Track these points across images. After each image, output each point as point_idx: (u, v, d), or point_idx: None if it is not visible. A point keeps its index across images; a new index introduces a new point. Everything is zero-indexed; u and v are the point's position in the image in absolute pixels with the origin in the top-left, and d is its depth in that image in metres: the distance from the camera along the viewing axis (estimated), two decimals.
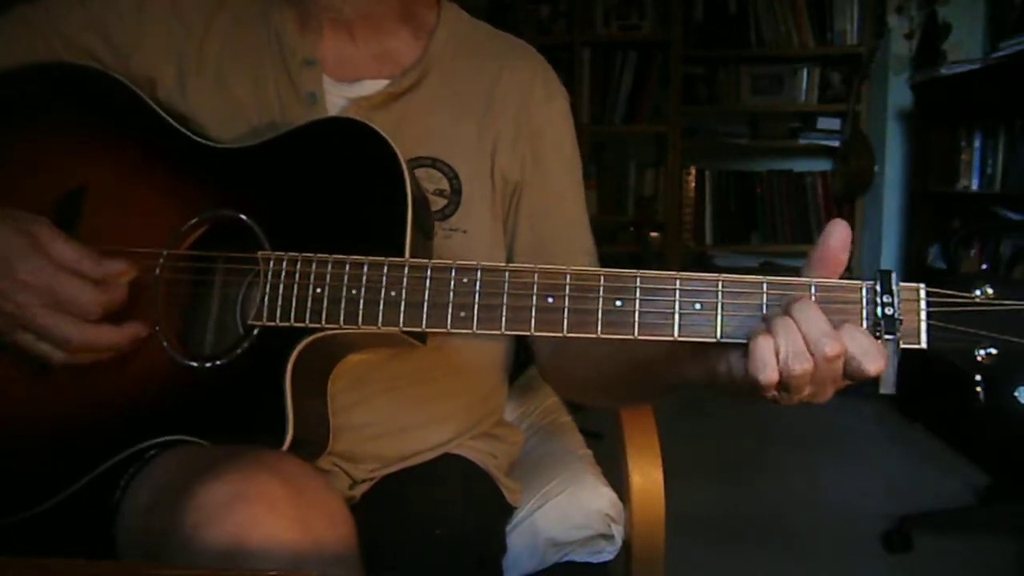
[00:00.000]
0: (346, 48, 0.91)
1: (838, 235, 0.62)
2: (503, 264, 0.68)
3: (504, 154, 0.92)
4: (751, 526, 2.19)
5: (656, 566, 0.98)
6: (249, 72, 0.89)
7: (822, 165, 3.66)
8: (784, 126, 3.63)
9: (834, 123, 3.54)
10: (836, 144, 3.52)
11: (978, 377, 0.63)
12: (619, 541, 0.98)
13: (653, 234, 3.58)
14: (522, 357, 1.08)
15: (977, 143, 2.79)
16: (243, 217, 0.78)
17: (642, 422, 1.02)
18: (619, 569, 0.99)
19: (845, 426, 2.95)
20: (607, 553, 0.98)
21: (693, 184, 3.71)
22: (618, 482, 1.02)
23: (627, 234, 3.63)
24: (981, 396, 0.63)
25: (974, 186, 2.80)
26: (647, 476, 0.98)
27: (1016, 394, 0.62)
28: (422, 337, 0.76)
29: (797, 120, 3.63)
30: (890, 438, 2.87)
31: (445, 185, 0.89)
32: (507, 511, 0.99)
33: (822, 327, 0.59)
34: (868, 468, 2.65)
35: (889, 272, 0.62)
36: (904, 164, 3.27)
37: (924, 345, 0.62)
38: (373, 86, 0.89)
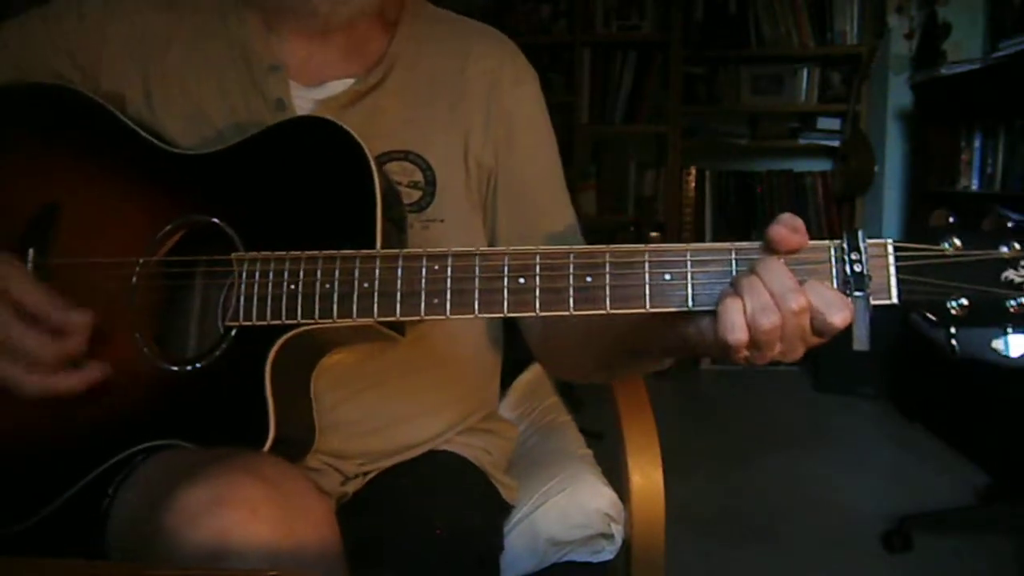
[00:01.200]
0: (314, 51, 0.90)
1: (777, 232, 0.63)
2: (474, 248, 0.69)
3: (476, 141, 0.92)
4: (751, 526, 2.19)
5: (656, 566, 0.98)
6: (215, 82, 0.89)
7: (822, 165, 3.66)
8: (784, 126, 3.64)
9: (834, 123, 3.55)
10: (836, 144, 3.53)
11: (952, 329, 0.63)
12: (619, 540, 0.98)
13: (653, 234, 3.58)
14: (522, 356, 1.08)
15: (977, 143, 2.79)
16: (215, 221, 0.78)
17: (642, 422, 1.02)
18: (619, 569, 0.99)
19: (845, 426, 2.96)
20: (607, 552, 0.98)
21: (693, 184, 3.71)
22: (618, 482, 1.02)
23: (627, 234, 3.63)
24: (956, 348, 0.63)
25: (974, 186, 2.80)
26: (647, 476, 0.98)
27: (994, 345, 0.62)
28: (400, 329, 0.77)
29: (797, 120, 3.63)
30: (890, 438, 2.87)
31: (419, 177, 0.89)
32: (504, 509, 0.99)
33: (787, 283, 0.60)
34: (868, 468, 2.65)
35: (856, 230, 0.63)
36: (904, 164, 3.27)
37: (895, 300, 0.63)
38: (339, 86, 0.89)
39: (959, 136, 2.86)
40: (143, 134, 0.84)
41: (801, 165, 3.71)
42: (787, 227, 0.62)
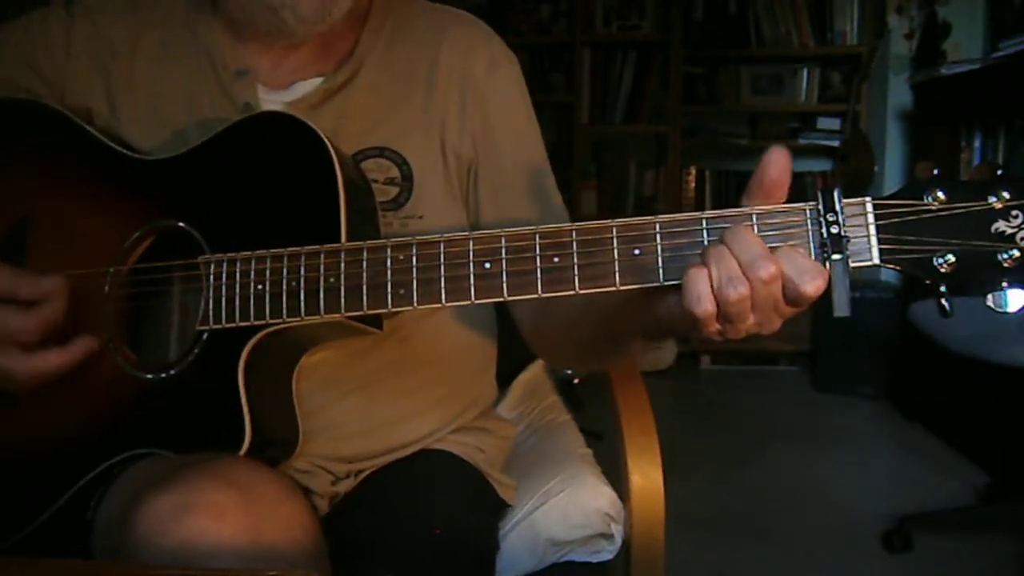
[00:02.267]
0: (283, 57, 0.88)
1: (777, 162, 0.60)
2: (438, 235, 0.67)
3: (453, 132, 0.90)
4: (751, 526, 2.18)
5: (656, 566, 0.98)
6: (182, 89, 0.88)
7: (822, 165, 3.66)
8: (784, 126, 3.63)
9: (834, 123, 3.55)
10: (836, 144, 3.53)
11: (942, 288, 0.59)
12: (619, 541, 0.98)
13: None
14: (522, 356, 1.08)
15: (977, 143, 2.79)
16: (181, 225, 0.78)
17: (642, 422, 1.02)
18: (619, 569, 0.99)
19: (845, 426, 2.96)
20: (607, 553, 0.98)
21: (693, 184, 3.71)
22: (618, 482, 1.01)
23: None
24: (947, 307, 0.59)
25: None
26: (647, 476, 0.98)
27: (989, 302, 0.58)
28: (377, 323, 0.75)
29: (797, 120, 3.63)
30: (890, 438, 2.87)
31: (395, 173, 0.87)
32: (501, 507, 0.98)
33: (756, 250, 0.57)
34: (868, 468, 2.65)
35: (832, 189, 0.60)
36: (904, 164, 3.27)
37: (876, 261, 0.59)
38: (308, 86, 0.88)
39: (959, 136, 2.86)
40: (110, 144, 0.83)
41: (801, 165, 3.70)
42: (780, 167, 0.60)
